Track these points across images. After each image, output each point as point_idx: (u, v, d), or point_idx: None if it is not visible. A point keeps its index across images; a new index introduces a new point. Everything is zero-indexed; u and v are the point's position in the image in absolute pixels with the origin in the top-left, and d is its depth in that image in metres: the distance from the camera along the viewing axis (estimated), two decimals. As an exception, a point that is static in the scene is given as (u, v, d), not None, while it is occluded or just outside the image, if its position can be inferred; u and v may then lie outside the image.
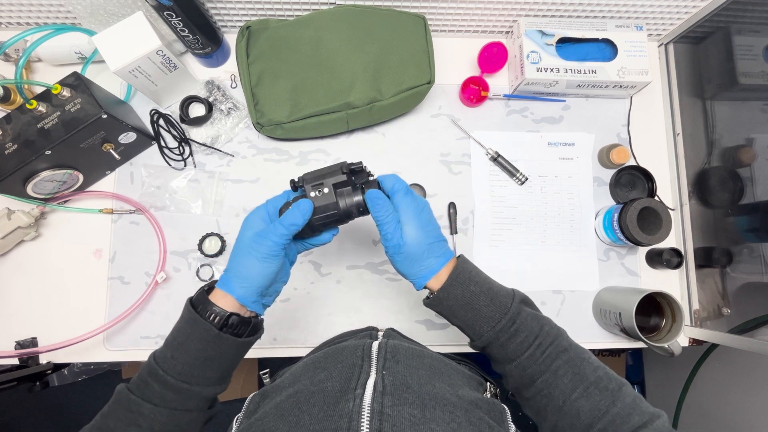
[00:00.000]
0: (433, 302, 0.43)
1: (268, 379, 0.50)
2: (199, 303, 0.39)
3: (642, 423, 0.34)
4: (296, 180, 0.44)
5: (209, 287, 0.41)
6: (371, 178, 0.45)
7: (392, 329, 0.61)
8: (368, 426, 0.29)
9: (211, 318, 0.38)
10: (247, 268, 0.40)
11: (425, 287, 0.44)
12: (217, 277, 0.68)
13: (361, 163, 0.45)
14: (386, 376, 0.36)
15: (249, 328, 0.41)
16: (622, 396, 0.36)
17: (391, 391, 0.33)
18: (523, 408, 0.42)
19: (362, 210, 0.44)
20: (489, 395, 0.45)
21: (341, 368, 0.38)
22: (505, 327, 0.40)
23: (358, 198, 0.43)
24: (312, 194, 0.42)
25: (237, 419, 0.37)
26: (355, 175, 0.45)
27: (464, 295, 0.42)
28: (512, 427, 0.36)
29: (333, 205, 0.42)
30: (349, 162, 0.44)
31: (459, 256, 0.44)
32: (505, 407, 0.38)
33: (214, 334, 0.38)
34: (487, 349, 0.43)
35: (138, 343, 0.66)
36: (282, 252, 0.41)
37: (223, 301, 0.39)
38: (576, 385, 0.38)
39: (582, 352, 0.40)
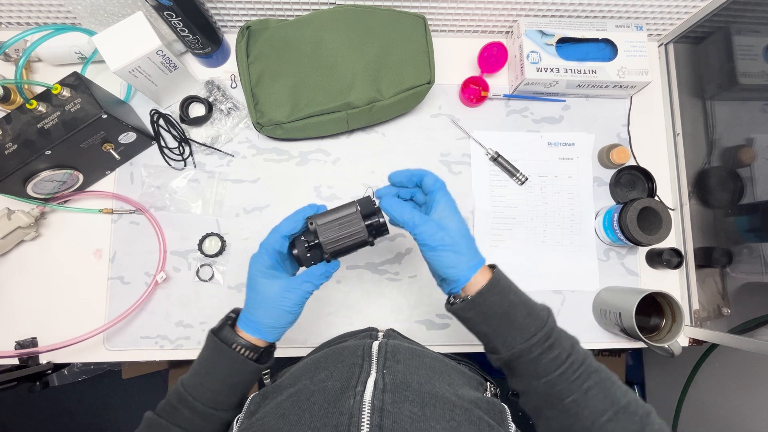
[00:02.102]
0: (466, 306, 0.40)
1: (268, 380, 0.50)
2: (222, 332, 0.42)
3: None
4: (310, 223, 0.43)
5: (232, 320, 0.43)
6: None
7: (392, 330, 0.61)
8: (369, 422, 0.29)
9: (237, 349, 0.41)
10: (276, 319, 0.42)
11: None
12: (217, 276, 0.68)
13: (368, 197, 0.45)
14: (386, 375, 0.36)
15: (264, 353, 0.44)
16: (650, 423, 0.36)
17: (392, 389, 0.33)
18: (537, 426, 0.41)
19: (375, 229, 0.43)
20: (489, 395, 0.45)
21: (342, 367, 0.38)
22: (541, 341, 0.38)
23: (375, 217, 0.43)
24: (323, 224, 0.42)
25: (237, 420, 0.38)
26: (369, 207, 0.44)
27: (502, 303, 0.40)
28: (512, 427, 0.36)
29: (354, 231, 0.42)
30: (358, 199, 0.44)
31: (494, 264, 0.43)
32: (505, 407, 0.38)
33: (240, 361, 0.41)
34: (513, 363, 0.40)
35: (138, 343, 0.66)
36: (308, 297, 0.43)
37: (246, 335, 0.42)
38: (606, 408, 0.36)
39: (611, 374, 0.39)
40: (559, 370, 0.38)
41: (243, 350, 0.41)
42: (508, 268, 0.75)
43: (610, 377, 0.39)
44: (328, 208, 0.44)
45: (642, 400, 0.38)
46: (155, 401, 0.42)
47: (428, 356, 0.45)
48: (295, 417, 0.32)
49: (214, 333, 0.42)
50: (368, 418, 0.30)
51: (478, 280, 0.40)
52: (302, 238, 0.43)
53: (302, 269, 0.45)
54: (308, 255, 0.43)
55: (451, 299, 0.43)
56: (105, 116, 0.58)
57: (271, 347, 0.44)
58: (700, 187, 0.73)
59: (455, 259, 0.40)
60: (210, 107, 0.70)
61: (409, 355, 0.42)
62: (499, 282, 0.40)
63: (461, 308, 0.40)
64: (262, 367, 0.43)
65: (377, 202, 0.44)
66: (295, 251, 0.43)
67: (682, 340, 0.71)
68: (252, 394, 0.41)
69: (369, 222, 0.43)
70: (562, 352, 0.38)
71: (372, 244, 0.44)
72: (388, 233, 0.44)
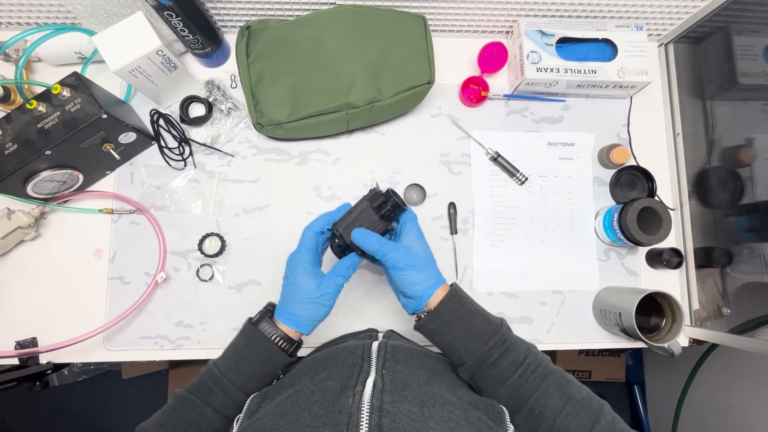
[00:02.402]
0: (431, 317, 0.45)
1: None
2: (261, 324, 0.46)
3: None
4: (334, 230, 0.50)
5: (270, 313, 0.48)
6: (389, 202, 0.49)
7: (392, 331, 0.61)
8: (368, 421, 0.29)
9: (275, 340, 0.45)
10: (314, 312, 0.46)
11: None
12: (217, 276, 0.68)
13: (374, 189, 0.50)
14: (386, 375, 0.36)
15: (294, 346, 0.47)
16: (603, 414, 0.39)
17: (391, 389, 0.33)
18: None
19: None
20: None
21: (341, 367, 0.39)
22: (498, 344, 0.43)
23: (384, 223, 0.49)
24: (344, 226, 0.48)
25: (237, 420, 0.38)
26: (378, 200, 0.49)
27: (461, 311, 0.45)
28: (510, 428, 0.36)
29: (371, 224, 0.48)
30: (369, 192, 0.50)
31: (453, 283, 0.48)
32: (504, 408, 0.38)
33: (275, 351, 0.45)
34: (479, 372, 0.43)
35: (138, 343, 0.66)
36: (341, 289, 0.48)
37: (283, 327, 0.46)
38: (565, 403, 0.40)
39: (566, 374, 0.43)
40: (518, 371, 0.42)
41: (280, 341, 0.45)
42: (508, 268, 0.75)
43: (566, 376, 0.42)
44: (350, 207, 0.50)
45: (596, 395, 0.41)
46: (155, 401, 0.43)
47: (428, 357, 0.45)
48: (295, 416, 0.32)
49: (254, 324, 0.46)
50: (367, 418, 0.30)
51: (439, 295, 0.45)
52: (336, 241, 0.50)
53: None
54: (342, 256, 0.50)
55: (416, 318, 0.47)
56: (105, 116, 0.58)
57: (300, 342, 0.48)
58: (700, 187, 0.73)
59: (419, 277, 0.45)
60: (210, 107, 0.70)
61: (409, 356, 0.42)
62: (457, 293, 0.46)
63: (427, 320, 0.45)
64: (292, 360, 0.47)
65: (383, 189, 0.50)
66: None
67: (682, 340, 0.71)
68: (252, 394, 0.41)
69: (382, 211, 0.48)
70: (519, 354, 0.43)
71: (394, 229, 0.50)
72: (406, 208, 0.49)
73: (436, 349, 0.49)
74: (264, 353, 0.45)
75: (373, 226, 0.48)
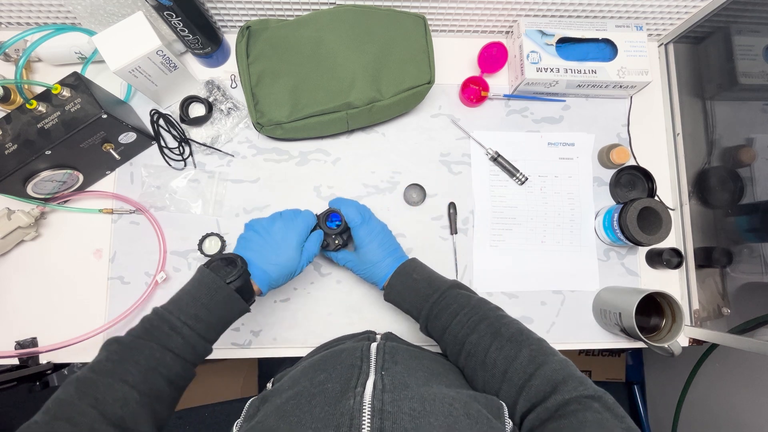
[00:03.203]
0: (385, 292, 0.56)
1: (270, 386, 0.51)
2: (221, 271, 0.48)
3: (543, 362, 0.40)
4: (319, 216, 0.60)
5: (226, 262, 0.50)
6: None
7: (390, 333, 0.61)
8: (369, 423, 0.30)
9: (228, 282, 0.47)
10: (287, 277, 0.54)
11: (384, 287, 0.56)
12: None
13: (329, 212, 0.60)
14: (385, 376, 0.36)
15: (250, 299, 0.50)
16: (527, 344, 0.43)
17: (391, 389, 0.34)
18: (466, 380, 0.48)
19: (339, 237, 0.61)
20: None
21: (341, 369, 0.38)
22: (438, 300, 0.51)
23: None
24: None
25: (237, 424, 0.37)
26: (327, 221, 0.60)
27: (406, 281, 0.54)
28: (509, 423, 0.36)
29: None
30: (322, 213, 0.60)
31: (409, 259, 0.57)
32: (503, 403, 0.38)
33: (236, 298, 0.47)
34: (429, 327, 0.52)
35: (138, 343, 0.66)
36: (311, 260, 0.56)
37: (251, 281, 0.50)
38: (493, 341, 0.44)
39: (502, 317, 0.47)
40: (455, 320, 0.48)
41: (232, 281, 0.47)
42: (508, 268, 0.75)
43: (501, 320, 0.47)
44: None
45: (535, 335, 0.45)
46: None
47: (427, 357, 0.45)
48: (296, 418, 0.32)
49: (212, 270, 0.48)
50: (369, 420, 0.30)
51: (390, 276, 0.55)
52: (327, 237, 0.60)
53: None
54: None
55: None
56: (105, 116, 0.58)
57: (257, 296, 0.52)
58: (700, 187, 0.73)
59: (373, 274, 0.57)
60: (210, 107, 0.70)
61: (408, 357, 0.42)
62: (404, 267, 0.55)
63: (386, 294, 0.56)
64: (246, 308, 0.49)
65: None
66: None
67: (682, 340, 0.71)
68: (251, 398, 0.41)
69: (338, 236, 0.60)
70: (457, 307, 0.49)
71: (332, 240, 0.60)
72: (341, 223, 0.59)
73: (434, 350, 0.50)
74: (224, 300, 0.46)
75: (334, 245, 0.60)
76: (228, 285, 0.47)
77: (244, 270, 0.49)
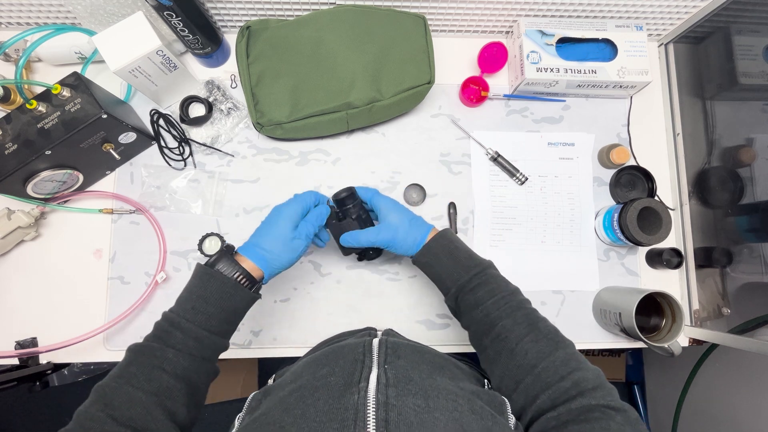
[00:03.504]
0: (421, 252, 0.52)
1: (272, 381, 0.51)
2: (219, 263, 0.46)
3: (577, 367, 0.39)
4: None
5: (227, 254, 0.48)
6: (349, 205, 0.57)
7: (391, 329, 0.61)
8: (374, 416, 0.29)
9: (234, 275, 0.45)
10: (284, 253, 0.50)
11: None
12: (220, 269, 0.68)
13: (343, 193, 0.57)
14: (389, 370, 0.36)
15: (254, 286, 0.48)
16: (564, 346, 0.42)
17: (395, 383, 0.34)
18: (480, 360, 0.48)
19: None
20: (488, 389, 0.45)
21: (343, 364, 0.39)
22: (478, 275, 0.49)
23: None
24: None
25: (239, 418, 0.38)
26: (343, 203, 0.57)
27: (448, 246, 0.52)
28: (512, 418, 0.36)
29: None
30: (337, 192, 0.57)
31: (445, 228, 0.55)
32: (505, 399, 0.38)
33: (231, 284, 0.45)
34: (459, 297, 0.49)
35: (138, 343, 0.66)
36: (309, 240, 0.52)
37: (247, 262, 0.48)
38: (529, 332, 0.43)
39: (537, 312, 0.47)
40: (492, 299, 0.47)
41: (239, 276, 0.46)
42: (508, 268, 0.75)
43: (538, 315, 0.46)
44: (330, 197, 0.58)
45: (568, 339, 0.44)
46: None
47: (428, 352, 0.45)
48: (300, 411, 0.32)
49: (209, 265, 0.47)
50: (374, 413, 0.30)
51: (430, 238, 0.53)
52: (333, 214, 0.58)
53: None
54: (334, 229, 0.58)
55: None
56: (105, 116, 0.58)
57: (260, 284, 0.49)
58: (700, 187, 0.73)
59: (407, 242, 0.53)
60: (210, 107, 0.70)
61: (410, 351, 0.42)
62: (446, 233, 0.53)
63: (420, 254, 0.53)
64: (252, 295, 0.47)
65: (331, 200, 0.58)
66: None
67: (682, 340, 0.71)
68: (253, 393, 0.41)
69: (348, 212, 0.57)
70: (497, 287, 0.48)
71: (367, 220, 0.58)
72: (355, 191, 0.57)
73: (436, 348, 0.49)
74: (219, 287, 0.45)
75: (353, 226, 0.56)
76: (217, 270, 0.45)
77: (224, 250, 0.48)
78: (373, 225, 0.58)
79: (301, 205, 0.52)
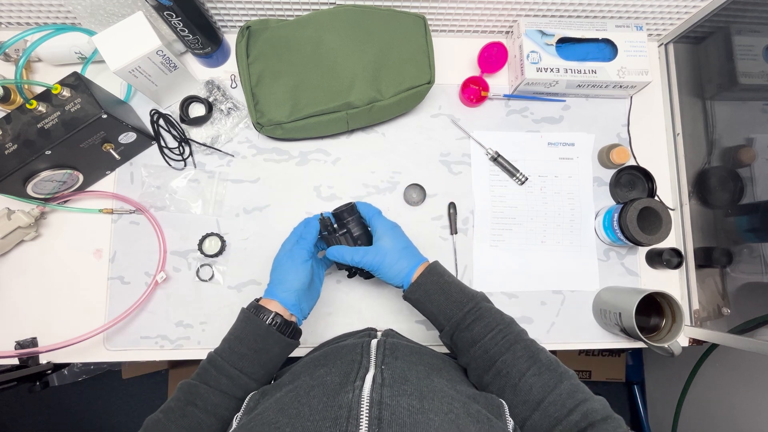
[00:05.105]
0: (411, 288, 0.51)
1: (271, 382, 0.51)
2: (251, 308, 0.49)
3: (584, 398, 0.39)
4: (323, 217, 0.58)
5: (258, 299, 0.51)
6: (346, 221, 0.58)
7: (391, 329, 0.62)
8: (367, 414, 0.30)
9: (261, 317, 0.47)
10: (285, 274, 0.51)
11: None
12: (217, 276, 0.68)
13: (342, 207, 0.58)
14: (385, 371, 0.36)
15: (290, 329, 0.49)
16: (568, 377, 0.41)
17: (390, 384, 0.34)
18: None
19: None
20: None
21: (340, 364, 0.39)
22: (472, 310, 0.48)
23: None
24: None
25: (237, 417, 0.38)
26: (340, 217, 0.57)
27: (438, 282, 0.50)
28: (510, 421, 0.36)
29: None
30: (339, 206, 0.58)
31: (434, 261, 0.53)
32: (503, 402, 0.38)
33: (264, 328, 0.47)
34: (455, 336, 0.48)
35: (138, 343, 0.66)
36: (309, 257, 0.52)
37: (271, 306, 0.49)
38: (530, 365, 0.43)
39: (537, 344, 0.46)
40: (489, 335, 0.46)
41: (265, 317, 0.48)
42: (508, 268, 0.75)
43: (536, 345, 0.46)
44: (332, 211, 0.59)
45: (567, 368, 0.44)
46: (155, 401, 0.43)
47: (427, 354, 0.45)
48: (295, 410, 0.32)
49: (247, 308, 0.49)
50: (367, 411, 0.30)
51: (420, 270, 0.51)
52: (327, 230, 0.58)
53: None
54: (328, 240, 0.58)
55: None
56: (105, 116, 0.58)
57: (296, 326, 0.51)
58: (700, 187, 0.73)
59: (394, 270, 0.52)
60: (210, 107, 0.70)
61: (408, 352, 0.42)
62: (435, 268, 0.52)
63: (410, 291, 0.51)
64: (286, 340, 0.48)
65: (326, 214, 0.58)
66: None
67: (682, 340, 0.71)
68: (251, 393, 0.41)
69: (344, 228, 0.57)
70: (492, 321, 0.47)
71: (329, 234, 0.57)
72: (354, 205, 0.58)
73: (436, 349, 0.49)
74: (252, 329, 0.47)
75: (343, 241, 0.56)
76: (253, 314, 0.48)
77: (256, 301, 0.50)
78: (366, 245, 0.56)
79: (295, 235, 0.55)
